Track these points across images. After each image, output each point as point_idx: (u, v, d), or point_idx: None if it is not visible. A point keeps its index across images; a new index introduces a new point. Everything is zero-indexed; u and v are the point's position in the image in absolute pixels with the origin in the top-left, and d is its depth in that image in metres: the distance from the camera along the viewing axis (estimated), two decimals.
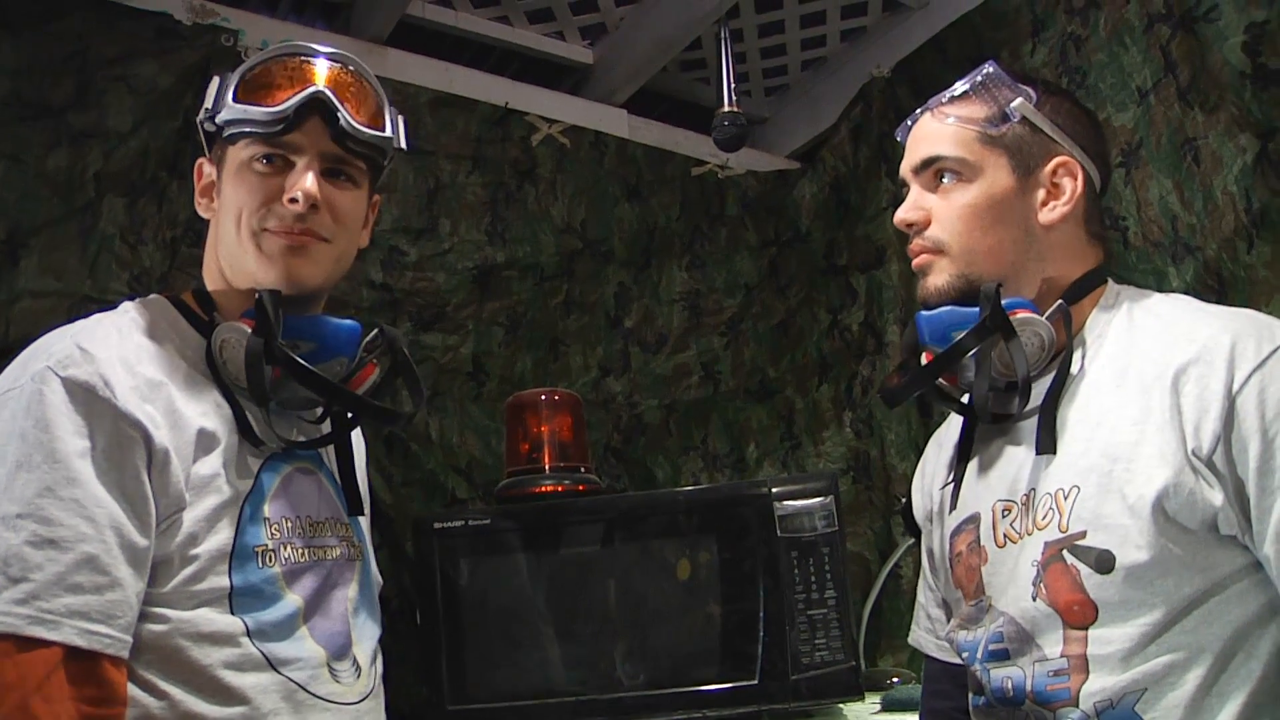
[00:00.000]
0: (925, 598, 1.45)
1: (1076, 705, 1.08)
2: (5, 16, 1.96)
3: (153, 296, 1.22)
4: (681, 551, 1.87)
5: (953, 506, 1.31)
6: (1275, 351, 1.05)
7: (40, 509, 0.95)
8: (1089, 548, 1.10)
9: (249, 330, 1.12)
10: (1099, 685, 1.07)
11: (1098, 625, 1.08)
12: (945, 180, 1.25)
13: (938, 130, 1.27)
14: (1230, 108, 1.90)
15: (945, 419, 1.47)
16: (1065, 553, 1.11)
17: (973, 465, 1.30)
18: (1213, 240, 1.95)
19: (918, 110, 1.34)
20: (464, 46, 2.66)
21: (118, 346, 1.05)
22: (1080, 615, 1.09)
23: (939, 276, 1.24)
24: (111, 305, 1.87)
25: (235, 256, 1.18)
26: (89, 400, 0.99)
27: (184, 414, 1.06)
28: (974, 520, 1.26)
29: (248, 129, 1.16)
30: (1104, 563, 1.08)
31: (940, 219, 1.24)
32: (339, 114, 1.17)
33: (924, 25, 2.62)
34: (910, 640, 1.48)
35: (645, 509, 1.91)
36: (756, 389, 2.82)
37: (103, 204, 2.01)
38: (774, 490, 1.81)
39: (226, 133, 1.18)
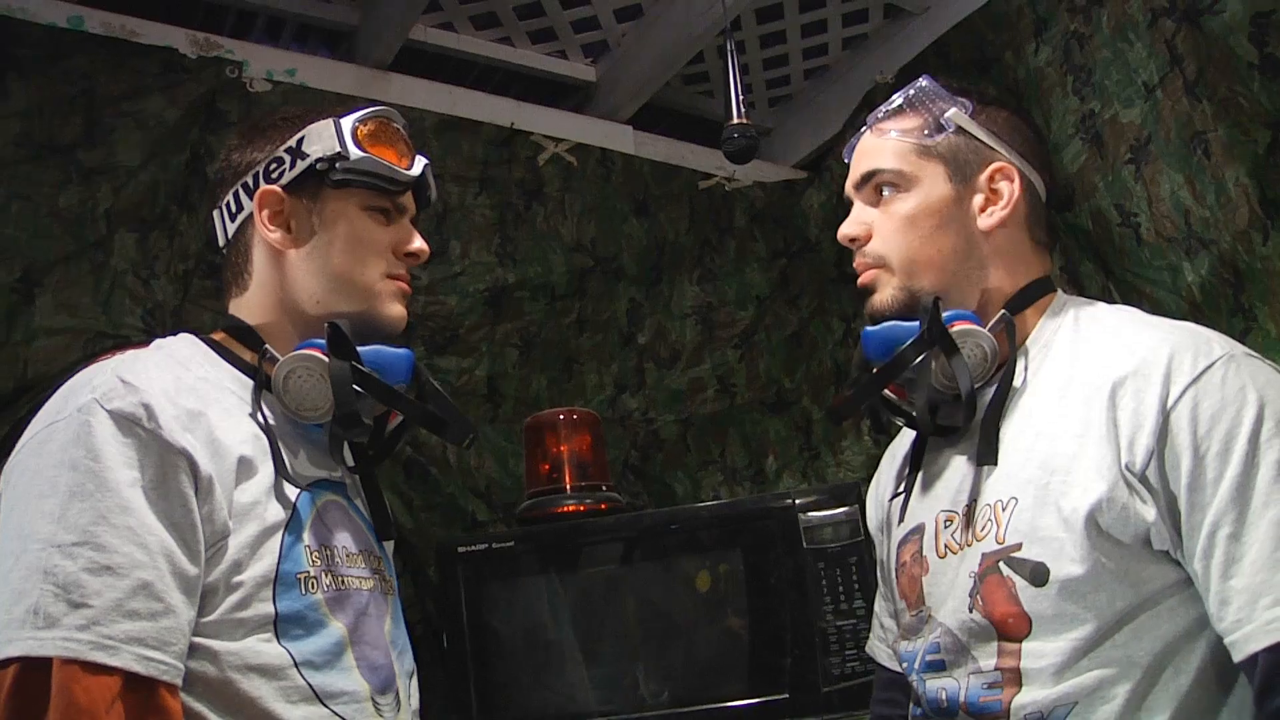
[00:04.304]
0: (880, 607, 1.44)
1: (1007, 717, 1.08)
2: (13, 58, 1.97)
3: (182, 335, 1.23)
4: (705, 566, 1.86)
5: (901, 518, 1.31)
6: (1210, 367, 1.05)
7: (95, 536, 0.96)
8: (1024, 560, 1.09)
9: (323, 358, 1.15)
10: (1030, 698, 1.06)
11: (1031, 638, 1.08)
12: (885, 193, 1.26)
13: (876, 145, 1.28)
14: (1239, 99, 1.90)
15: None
16: (1002, 565, 1.11)
17: (921, 477, 1.30)
18: (1227, 233, 1.94)
19: (861, 129, 1.34)
20: (467, 69, 2.67)
21: (158, 378, 1.07)
22: (1015, 628, 1.09)
23: (883, 292, 1.24)
24: (126, 340, 1.90)
25: (336, 293, 1.23)
26: (135, 431, 1.01)
27: (223, 442, 1.07)
28: (919, 531, 1.25)
29: (375, 182, 1.24)
30: (1039, 575, 1.07)
31: (881, 233, 1.25)
32: (431, 184, 1.33)
33: (925, 30, 2.62)
34: (866, 649, 1.49)
35: (669, 525, 1.90)
36: (773, 400, 2.82)
37: (114, 240, 2.02)
38: (798, 502, 1.80)
39: (342, 179, 1.23)
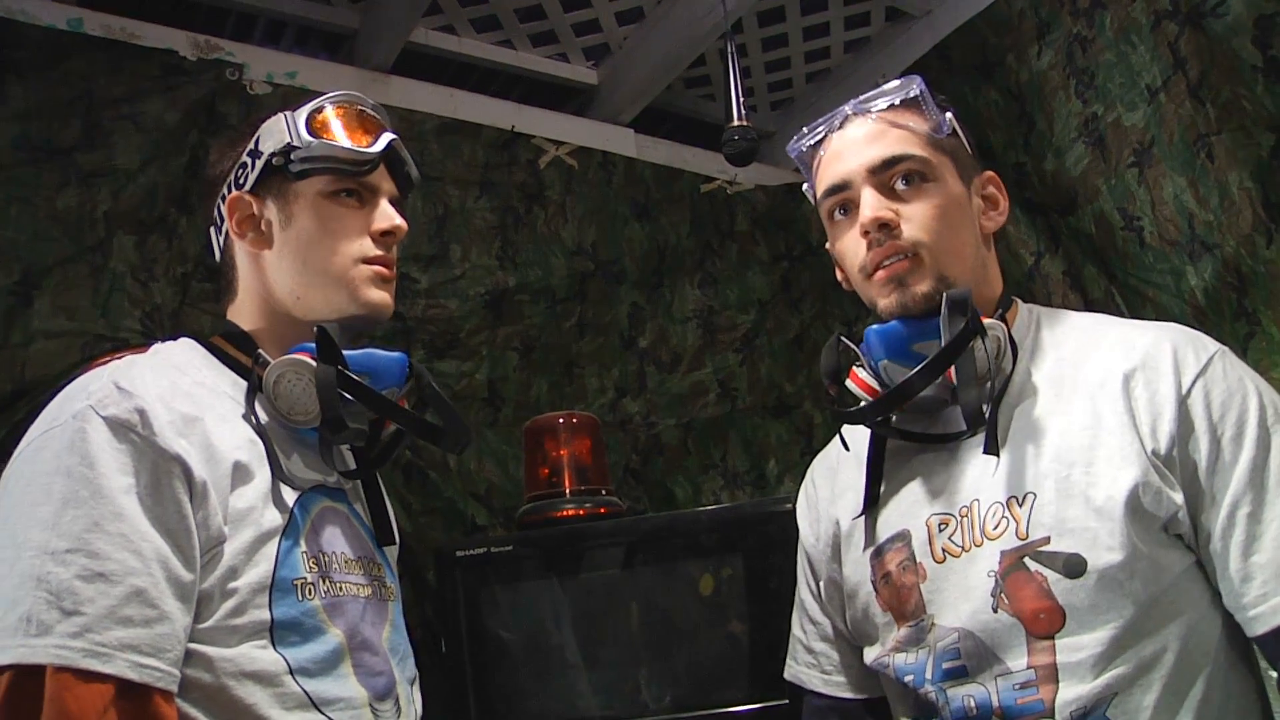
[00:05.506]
0: (804, 632, 1.39)
1: (1052, 717, 1.06)
2: (11, 60, 1.97)
3: (181, 339, 1.22)
4: (705, 571, 1.85)
5: (871, 528, 1.26)
6: (1211, 359, 1.11)
7: (89, 543, 0.96)
8: (1055, 553, 1.08)
9: (311, 363, 1.14)
10: (1074, 694, 1.06)
11: (1065, 633, 1.07)
12: (906, 183, 1.21)
13: (890, 132, 1.23)
14: (1243, 102, 1.89)
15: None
16: (1027, 560, 1.10)
17: (890, 485, 1.26)
18: (1231, 237, 1.93)
19: (822, 122, 1.29)
20: (468, 72, 2.67)
21: (154, 384, 1.06)
22: (1046, 623, 1.08)
23: (922, 283, 1.18)
24: (125, 343, 1.90)
25: (312, 286, 1.21)
26: (129, 437, 1.00)
27: (218, 448, 1.07)
28: (903, 538, 1.21)
29: (333, 165, 1.21)
30: (1074, 567, 1.07)
31: (914, 220, 1.19)
32: (407, 160, 1.29)
33: (928, 33, 2.62)
34: (787, 676, 1.41)
35: (669, 530, 1.89)
36: (774, 404, 2.81)
37: (113, 242, 2.01)
38: None
39: (300, 168, 1.20)
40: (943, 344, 1.14)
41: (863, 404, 1.22)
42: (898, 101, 1.25)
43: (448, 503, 2.33)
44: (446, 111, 2.52)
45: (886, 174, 1.21)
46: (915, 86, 1.25)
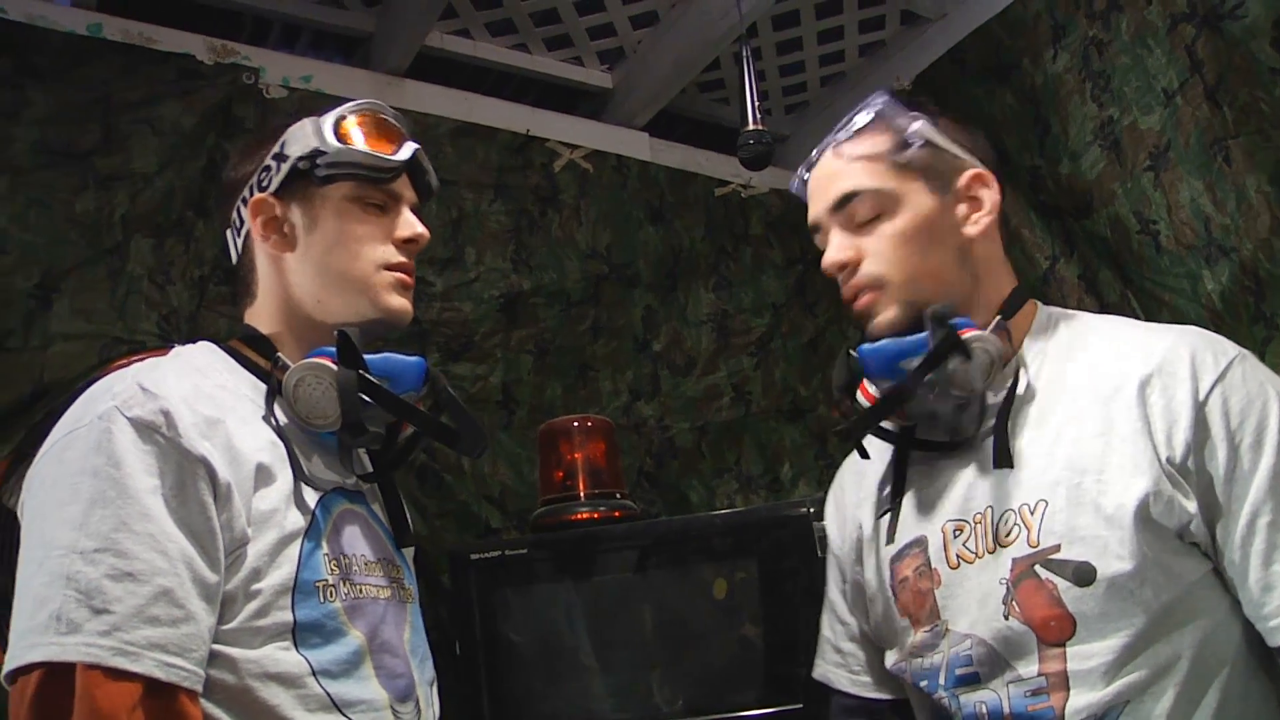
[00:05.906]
0: (833, 632, 1.40)
1: None
2: (31, 66, 1.98)
3: (200, 342, 1.23)
4: (719, 574, 1.85)
5: (891, 533, 1.27)
6: (1231, 364, 1.09)
7: (116, 543, 0.97)
8: (1065, 561, 1.08)
9: (332, 367, 1.14)
10: (1084, 701, 1.06)
11: (1075, 641, 1.07)
12: (868, 214, 1.22)
13: (846, 168, 1.24)
14: (1261, 105, 1.88)
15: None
16: (1038, 568, 1.10)
17: (910, 491, 1.27)
18: (1248, 241, 1.92)
19: (811, 158, 1.31)
20: (483, 75, 2.67)
21: (177, 386, 1.07)
22: (1057, 631, 1.08)
23: (888, 311, 1.20)
24: (142, 346, 1.91)
25: (332, 290, 1.22)
26: (154, 438, 1.01)
27: (241, 450, 1.07)
28: (919, 544, 1.22)
29: (359, 172, 1.22)
30: (1084, 575, 1.07)
31: (874, 253, 1.21)
32: (428, 169, 1.31)
33: (943, 37, 2.61)
34: (816, 675, 1.42)
35: (683, 533, 1.88)
36: (789, 408, 2.81)
37: (130, 245, 2.02)
38: (812, 510, 1.78)
39: (326, 174, 1.21)
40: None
41: (853, 420, 1.24)
42: (860, 125, 1.25)
43: (462, 505, 2.33)
44: (461, 115, 2.52)
45: (845, 210, 1.24)
46: (872, 110, 1.25)
